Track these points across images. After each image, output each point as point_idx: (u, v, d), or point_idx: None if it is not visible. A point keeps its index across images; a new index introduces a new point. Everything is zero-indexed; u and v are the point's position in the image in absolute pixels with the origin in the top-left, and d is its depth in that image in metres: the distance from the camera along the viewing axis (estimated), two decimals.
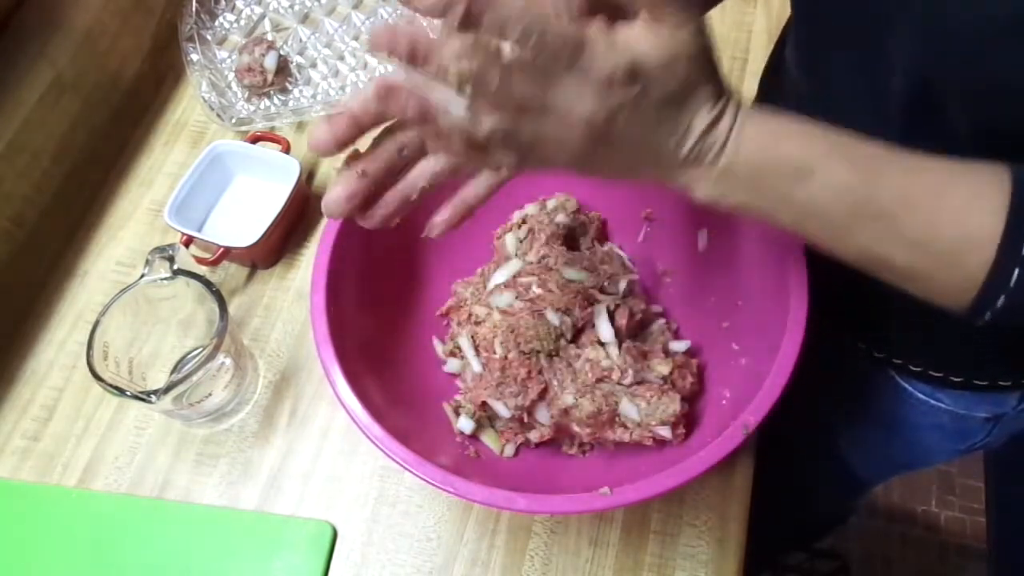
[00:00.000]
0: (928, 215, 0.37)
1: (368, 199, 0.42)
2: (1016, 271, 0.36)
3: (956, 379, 0.59)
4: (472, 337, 0.60)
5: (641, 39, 0.36)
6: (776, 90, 0.63)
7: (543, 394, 0.56)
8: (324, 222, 0.72)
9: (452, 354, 0.63)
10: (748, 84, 0.80)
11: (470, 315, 0.61)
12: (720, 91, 0.38)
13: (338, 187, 0.41)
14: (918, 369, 0.60)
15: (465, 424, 0.59)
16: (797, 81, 0.56)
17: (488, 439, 0.60)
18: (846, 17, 0.47)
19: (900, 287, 0.41)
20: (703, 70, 0.38)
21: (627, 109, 0.36)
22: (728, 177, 0.39)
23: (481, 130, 0.37)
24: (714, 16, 0.85)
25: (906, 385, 0.62)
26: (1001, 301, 0.37)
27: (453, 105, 0.36)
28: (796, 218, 0.40)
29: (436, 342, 0.64)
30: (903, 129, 0.46)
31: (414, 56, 0.35)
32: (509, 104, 0.36)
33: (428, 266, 0.65)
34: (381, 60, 0.83)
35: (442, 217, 0.43)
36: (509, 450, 0.59)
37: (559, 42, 0.35)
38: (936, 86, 0.42)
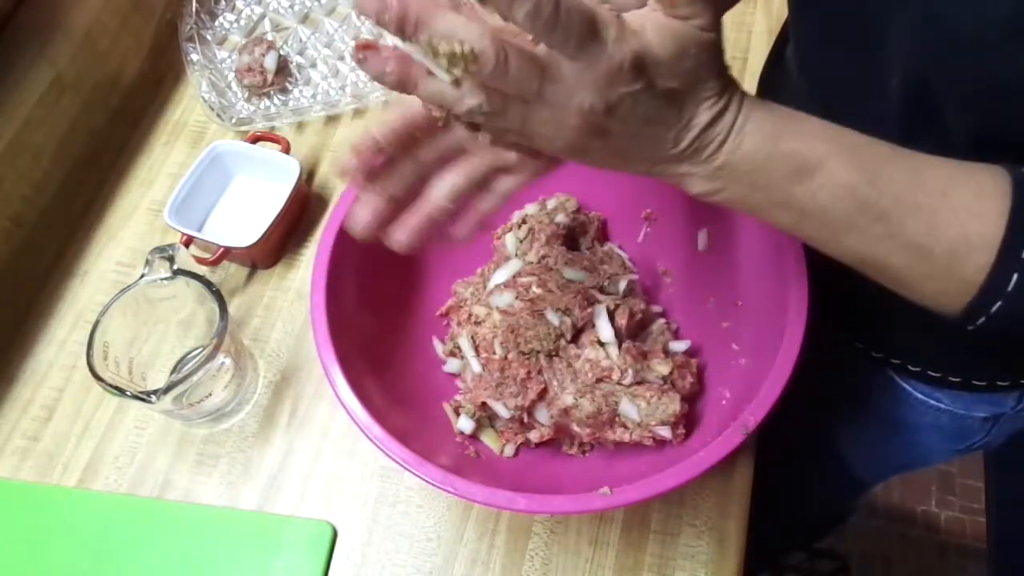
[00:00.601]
0: (929, 217, 0.37)
1: (390, 219, 0.42)
2: (1015, 276, 0.36)
3: (954, 379, 0.59)
4: (472, 337, 0.60)
5: (650, 28, 0.34)
6: (775, 89, 0.63)
7: (543, 394, 0.56)
8: (324, 222, 0.72)
9: (452, 354, 0.63)
10: (748, 84, 0.80)
11: (470, 315, 0.61)
12: (725, 85, 0.37)
13: (362, 207, 0.41)
14: (916, 369, 0.60)
15: (465, 424, 0.59)
16: (796, 80, 0.56)
17: (488, 439, 0.60)
18: (843, 16, 0.47)
19: (894, 290, 0.40)
20: (709, 65, 0.36)
21: (628, 102, 0.35)
22: (726, 172, 0.38)
23: (461, 107, 0.35)
24: None
25: (905, 385, 0.62)
26: (997, 307, 0.37)
27: (438, 73, 0.34)
28: (794, 217, 0.39)
29: (436, 342, 0.64)
30: (901, 129, 0.46)
31: (403, 25, 0.32)
32: (500, 89, 0.34)
33: (428, 266, 0.65)
34: None
35: (461, 231, 0.44)
36: (509, 450, 0.59)
37: (572, 22, 0.32)
38: (934, 87, 0.42)
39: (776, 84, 0.63)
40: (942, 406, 0.62)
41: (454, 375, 0.63)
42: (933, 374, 0.60)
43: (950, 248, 0.37)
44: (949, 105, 0.42)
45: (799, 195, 0.38)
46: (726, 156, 0.38)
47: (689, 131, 0.37)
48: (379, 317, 0.60)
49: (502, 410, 0.56)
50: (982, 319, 0.38)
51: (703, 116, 0.37)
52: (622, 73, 0.34)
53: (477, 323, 0.60)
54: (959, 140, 0.43)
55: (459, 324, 0.62)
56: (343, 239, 0.56)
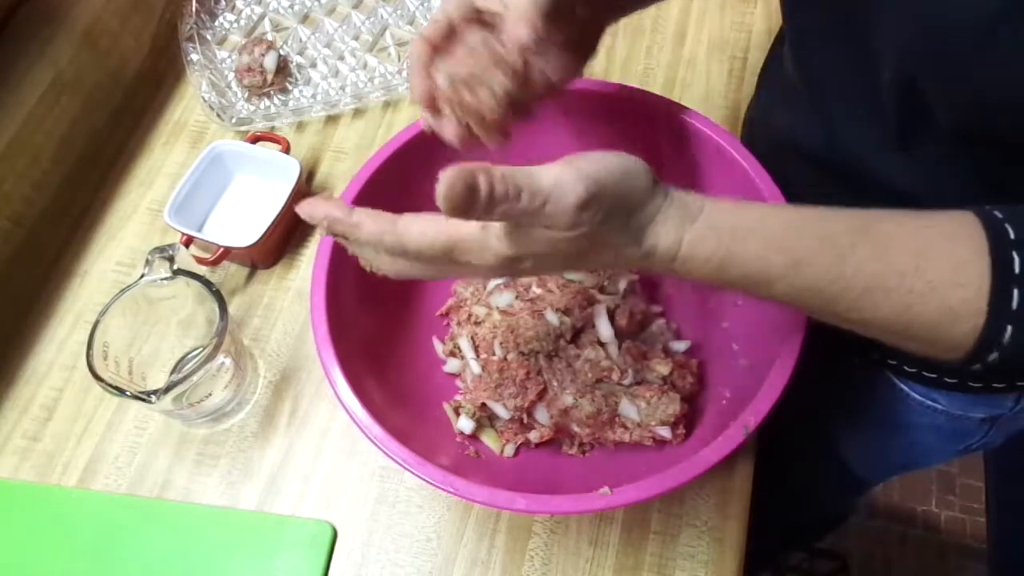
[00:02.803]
0: (902, 299, 0.38)
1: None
2: (1009, 328, 0.36)
3: (950, 380, 0.59)
4: (472, 338, 0.60)
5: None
6: (773, 87, 0.63)
7: (542, 394, 0.56)
8: None
9: (452, 354, 0.63)
10: (748, 84, 0.80)
11: (470, 315, 0.61)
12: (650, 191, 0.39)
13: (445, 125, 0.47)
14: (912, 370, 0.60)
15: (465, 424, 0.59)
16: (792, 77, 0.56)
17: (488, 439, 0.60)
18: (832, 14, 0.48)
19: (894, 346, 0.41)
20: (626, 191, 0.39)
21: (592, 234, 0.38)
22: (691, 273, 0.40)
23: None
24: (714, 16, 0.85)
25: (902, 386, 0.62)
26: (993, 356, 0.37)
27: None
28: (772, 302, 0.41)
29: (436, 342, 0.64)
30: (897, 124, 0.46)
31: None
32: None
33: None
34: (381, 60, 0.83)
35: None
36: (509, 450, 0.59)
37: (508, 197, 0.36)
38: (921, 83, 0.42)
39: (773, 82, 0.63)
40: (939, 407, 0.62)
41: (454, 375, 0.63)
42: (928, 375, 0.60)
43: (932, 322, 0.38)
44: (935, 101, 0.42)
45: (767, 295, 0.40)
46: (681, 265, 0.40)
47: (642, 239, 0.39)
48: (379, 317, 0.60)
49: (501, 411, 0.57)
50: (978, 366, 0.38)
51: (644, 223, 0.39)
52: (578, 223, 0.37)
53: (477, 323, 0.60)
54: (948, 135, 0.43)
55: (459, 324, 0.62)
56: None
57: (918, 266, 0.37)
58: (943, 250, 0.38)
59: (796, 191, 0.54)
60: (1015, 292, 0.36)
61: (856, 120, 0.50)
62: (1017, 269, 0.36)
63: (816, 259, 0.38)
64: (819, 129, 0.54)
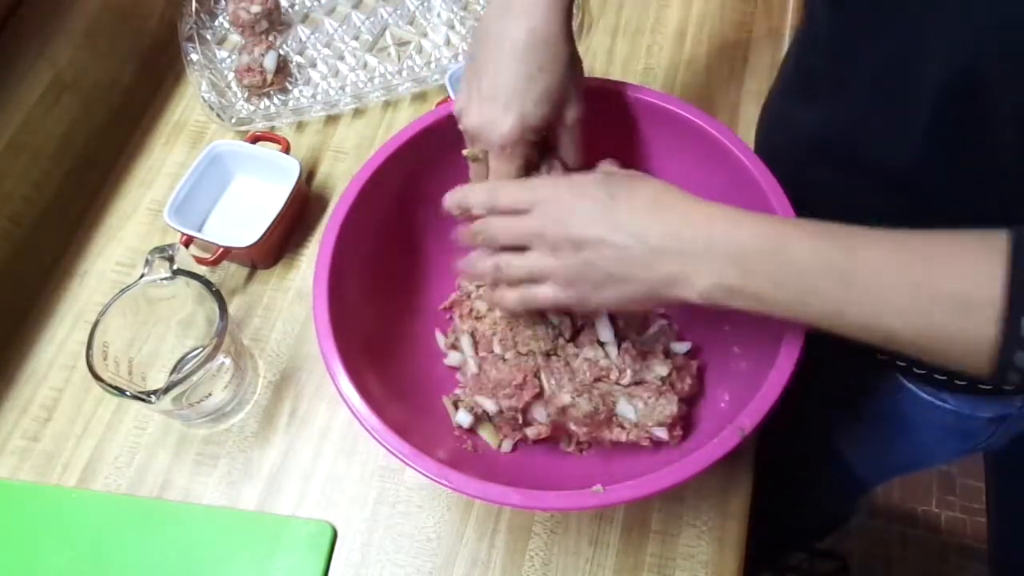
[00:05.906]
0: (921, 276, 0.37)
1: None
2: None
3: (960, 383, 0.59)
4: (472, 333, 0.60)
5: None
6: (794, 86, 0.61)
7: (538, 396, 0.56)
8: (324, 222, 0.72)
9: (454, 347, 0.63)
10: (748, 84, 0.80)
11: (471, 310, 0.61)
12: None
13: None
14: (922, 372, 0.60)
15: (463, 418, 0.58)
16: (822, 74, 0.55)
17: (486, 434, 0.60)
18: (878, 14, 0.46)
19: (921, 359, 0.40)
20: None
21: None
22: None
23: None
24: (714, 16, 0.85)
25: (911, 386, 0.62)
26: (1020, 357, 0.35)
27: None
28: (786, 296, 0.42)
29: (439, 335, 0.64)
30: (939, 123, 0.45)
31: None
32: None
33: (430, 261, 0.65)
34: (381, 60, 0.83)
35: None
36: (507, 445, 0.59)
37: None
38: (987, 81, 0.40)
39: (795, 80, 0.61)
40: (947, 406, 0.62)
41: (455, 368, 0.63)
42: (939, 377, 0.60)
43: (950, 303, 0.36)
44: (1001, 104, 0.40)
45: (776, 268, 0.42)
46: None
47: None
48: (382, 309, 0.60)
49: (491, 407, 0.56)
50: (1011, 374, 0.36)
51: None
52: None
53: (478, 318, 0.60)
54: (1006, 147, 0.41)
55: (462, 318, 0.63)
56: (346, 233, 0.56)
57: (930, 249, 0.37)
58: (954, 240, 0.37)
59: (819, 191, 0.54)
60: None
61: (894, 117, 0.48)
62: None
63: (823, 226, 0.41)
64: (851, 127, 0.53)
